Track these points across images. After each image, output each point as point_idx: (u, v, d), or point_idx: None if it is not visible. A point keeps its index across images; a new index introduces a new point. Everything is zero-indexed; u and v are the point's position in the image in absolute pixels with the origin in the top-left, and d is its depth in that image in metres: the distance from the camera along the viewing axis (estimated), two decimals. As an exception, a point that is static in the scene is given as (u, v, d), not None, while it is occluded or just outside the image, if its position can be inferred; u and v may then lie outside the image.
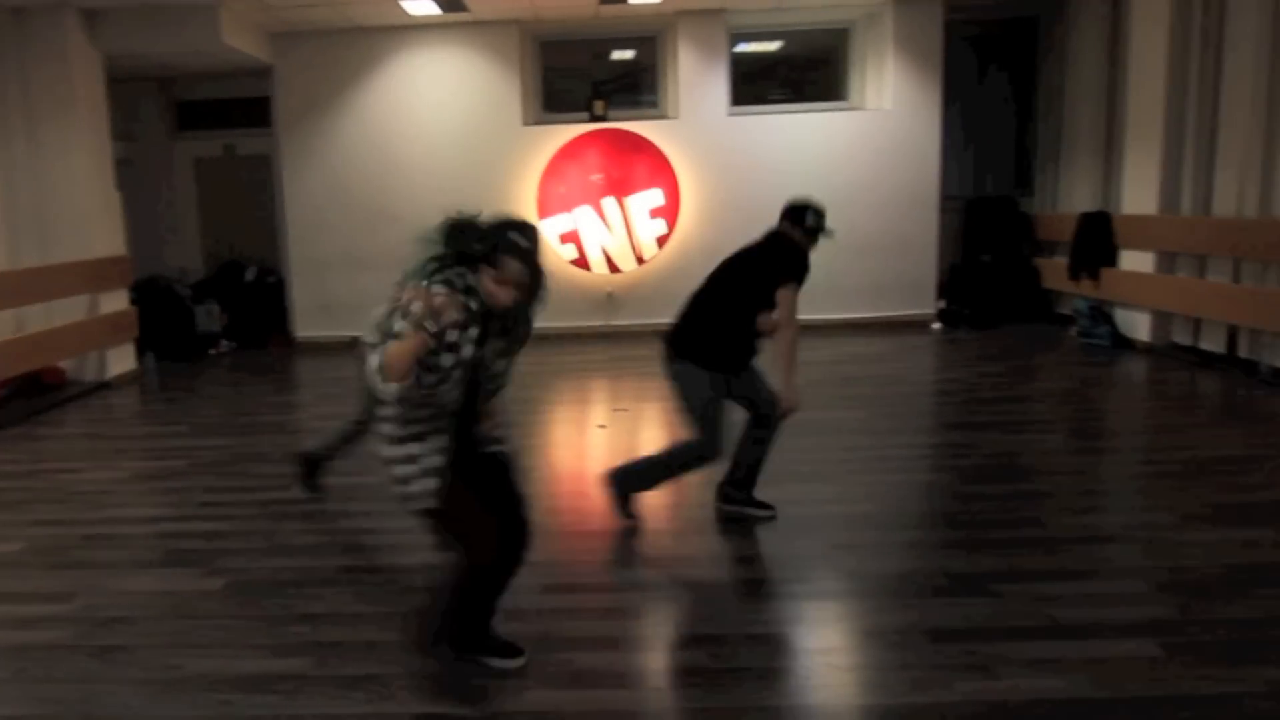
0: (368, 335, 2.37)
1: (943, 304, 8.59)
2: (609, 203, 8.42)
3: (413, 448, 2.41)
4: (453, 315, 2.26)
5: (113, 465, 5.02)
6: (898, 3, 8.19)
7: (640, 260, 8.47)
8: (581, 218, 8.43)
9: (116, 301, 7.34)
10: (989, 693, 2.50)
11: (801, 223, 3.67)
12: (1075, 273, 7.70)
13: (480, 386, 2.51)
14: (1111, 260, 7.39)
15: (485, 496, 2.55)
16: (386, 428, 2.43)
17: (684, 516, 3.98)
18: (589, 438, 5.38)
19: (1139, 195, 7.09)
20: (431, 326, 2.25)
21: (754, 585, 3.28)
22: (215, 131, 9.20)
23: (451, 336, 2.31)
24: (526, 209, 8.49)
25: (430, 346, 2.27)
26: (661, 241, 8.45)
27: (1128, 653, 2.68)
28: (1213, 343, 6.50)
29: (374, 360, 2.29)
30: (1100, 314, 7.43)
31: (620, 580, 3.38)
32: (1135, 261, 7.17)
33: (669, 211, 8.43)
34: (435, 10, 7.76)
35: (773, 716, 2.44)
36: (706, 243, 8.33)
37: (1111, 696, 2.46)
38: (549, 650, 2.81)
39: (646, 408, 5.91)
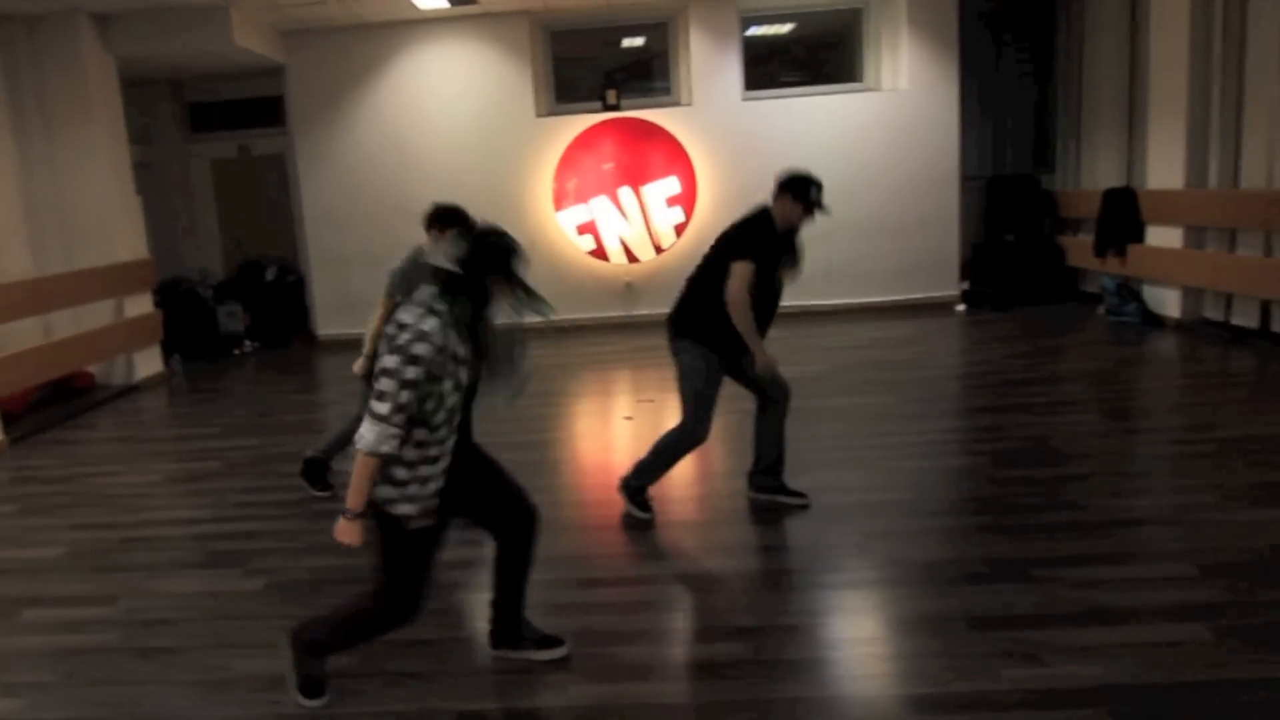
0: (404, 373, 2.19)
1: (966, 285, 8.52)
2: (625, 192, 8.39)
3: (401, 472, 2.31)
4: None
5: (147, 468, 5.07)
6: (912, -19, 8.09)
7: (658, 249, 8.44)
8: (598, 208, 8.41)
9: (141, 305, 7.40)
10: (1037, 680, 2.48)
11: (805, 196, 3.56)
12: (1101, 250, 7.60)
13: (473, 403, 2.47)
14: (1138, 236, 7.29)
15: (485, 490, 2.56)
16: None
17: (715, 507, 3.97)
18: (616, 430, 5.38)
19: (1164, 169, 6.98)
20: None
21: (789, 575, 3.27)
22: (229, 132, 9.24)
23: (450, 368, 2.24)
24: (542, 201, 8.48)
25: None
26: (679, 229, 8.41)
27: (1176, 637, 2.65)
28: (1245, 317, 6.41)
29: (373, 443, 2.23)
30: (1128, 291, 7.33)
31: (656, 573, 3.38)
32: (1162, 237, 7.07)
33: (686, 199, 8.39)
34: (445, 4, 7.74)
35: (818, 708, 2.44)
36: (724, 228, 8.29)
37: (1164, 682, 2.44)
38: (589, 645, 2.82)
39: (671, 398, 5.89)
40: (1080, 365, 6.20)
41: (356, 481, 2.28)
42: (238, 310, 8.80)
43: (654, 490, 4.04)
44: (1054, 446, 4.46)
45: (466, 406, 2.45)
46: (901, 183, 8.37)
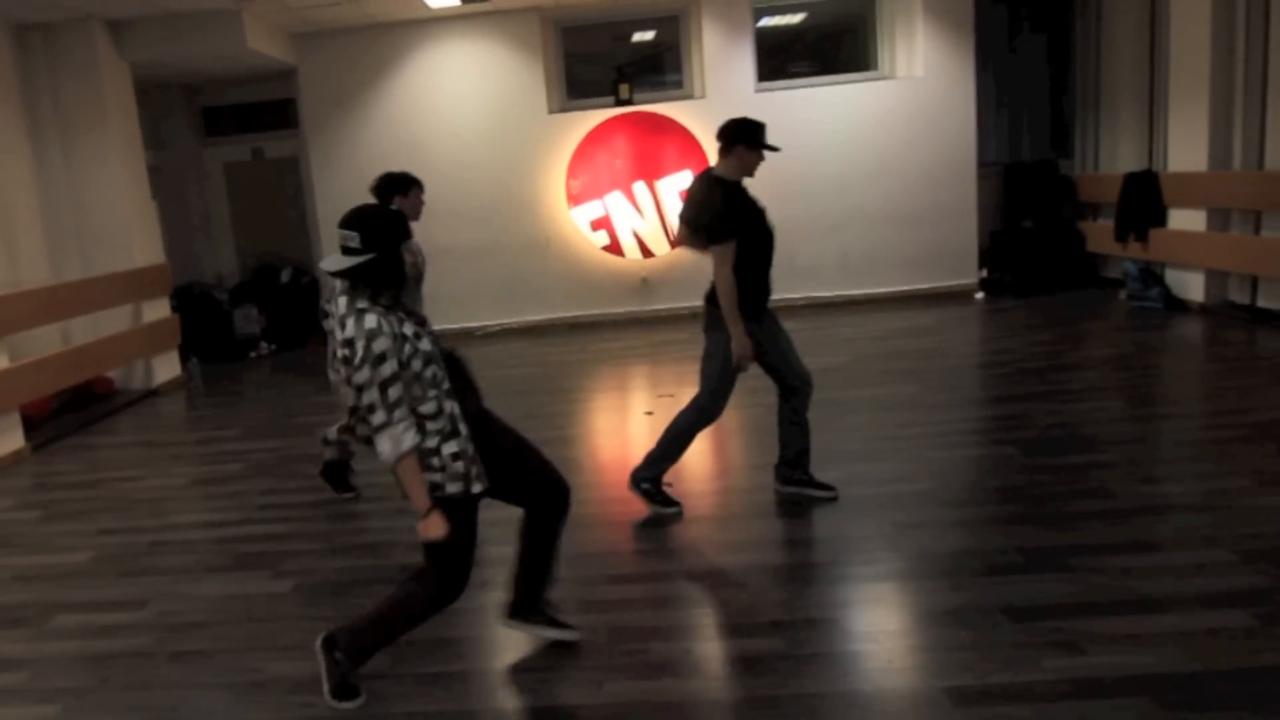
0: (375, 373, 2.23)
1: (985, 273, 8.44)
2: (639, 187, 8.35)
3: (433, 459, 2.36)
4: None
5: (170, 471, 5.08)
6: (926, -33, 8.00)
7: (674, 244, 8.40)
8: (612, 203, 8.37)
9: (159, 309, 7.43)
10: (1080, 670, 2.44)
11: (754, 140, 3.50)
12: (1122, 235, 7.51)
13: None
14: (1160, 220, 7.20)
15: (512, 460, 2.56)
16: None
17: (741, 501, 3.94)
18: (637, 425, 5.35)
19: (1186, 152, 6.89)
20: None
21: (821, 568, 3.24)
22: (243, 136, 9.25)
23: (408, 349, 2.29)
24: (555, 197, 8.45)
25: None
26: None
27: (1219, 624, 2.61)
28: (1272, 300, 6.32)
29: (392, 449, 2.25)
30: (1151, 276, 7.25)
31: (685, 568, 3.35)
32: (1185, 220, 6.98)
33: (700, 193, 8.32)
34: (456, 2, 7.71)
35: (859, 702, 2.40)
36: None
37: (1209, 669, 2.39)
38: (623, 641, 2.79)
39: (689, 392, 5.86)
40: (1104, 351, 6.13)
41: (409, 484, 2.31)
42: (253, 313, 8.82)
43: (681, 486, 4.02)
44: (1082, 434, 4.40)
45: (456, 375, 2.46)
46: (918, 171, 8.29)
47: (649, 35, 8.89)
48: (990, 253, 8.56)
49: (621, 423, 5.57)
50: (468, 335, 8.36)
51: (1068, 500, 3.59)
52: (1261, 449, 3.95)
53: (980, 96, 8.33)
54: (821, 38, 9.25)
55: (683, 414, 3.75)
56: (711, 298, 3.64)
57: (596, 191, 8.37)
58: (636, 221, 8.38)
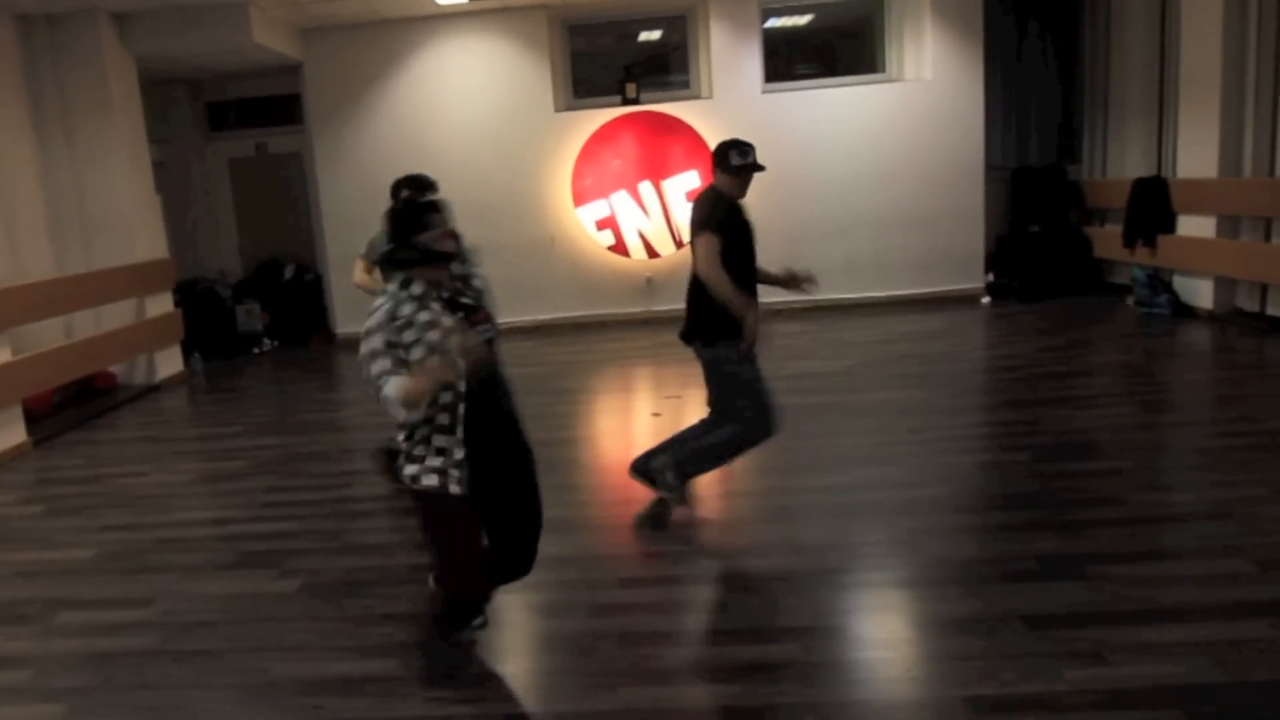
0: (368, 345, 2.37)
1: (991, 277, 8.41)
2: (645, 187, 8.31)
3: (418, 448, 2.46)
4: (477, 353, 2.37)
5: (173, 468, 5.04)
6: (935, -31, 7.97)
7: (679, 244, 8.37)
8: (618, 203, 8.34)
9: (162, 304, 7.38)
10: (1103, 681, 2.40)
11: (725, 164, 3.49)
12: (1130, 240, 7.48)
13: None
14: (1169, 226, 7.17)
15: (496, 482, 2.51)
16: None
17: (752, 505, 3.91)
18: (643, 426, 5.31)
19: (1196, 158, 6.86)
20: (460, 365, 2.31)
21: (833, 574, 3.20)
22: (246, 131, 9.20)
23: (409, 335, 2.37)
24: (561, 196, 8.42)
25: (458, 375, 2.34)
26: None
27: (1241, 635, 2.57)
28: (1281, 308, 6.30)
29: (390, 391, 2.30)
30: (1159, 282, 7.22)
31: (695, 572, 3.31)
32: (1194, 227, 6.95)
33: (707, 193, 8.29)
34: (464, -2, 7.68)
35: (877, 711, 2.37)
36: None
37: (1235, 680, 2.36)
38: (635, 645, 2.76)
39: (696, 393, 5.83)
40: (1114, 357, 6.10)
41: (414, 389, 2.30)
42: (256, 309, 8.77)
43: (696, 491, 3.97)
44: (1094, 440, 4.37)
45: (486, 382, 2.46)
46: (925, 174, 8.26)
47: (655, 35, 8.86)
48: (996, 257, 8.53)
49: (626, 424, 5.53)
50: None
51: (1082, 507, 3.56)
52: (1274, 457, 3.92)
53: (987, 100, 8.30)
54: (829, 39, 9.23)
55: (720, 430, 3.63)
56: (683, 331, 3.64)
57: (602, 191, 8.34)
58: (642, 221, 8.34)
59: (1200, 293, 6.95)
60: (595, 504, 3.97)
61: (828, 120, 8.31)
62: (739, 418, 3.58)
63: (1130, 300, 7.52)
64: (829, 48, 9.27)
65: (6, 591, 3.50)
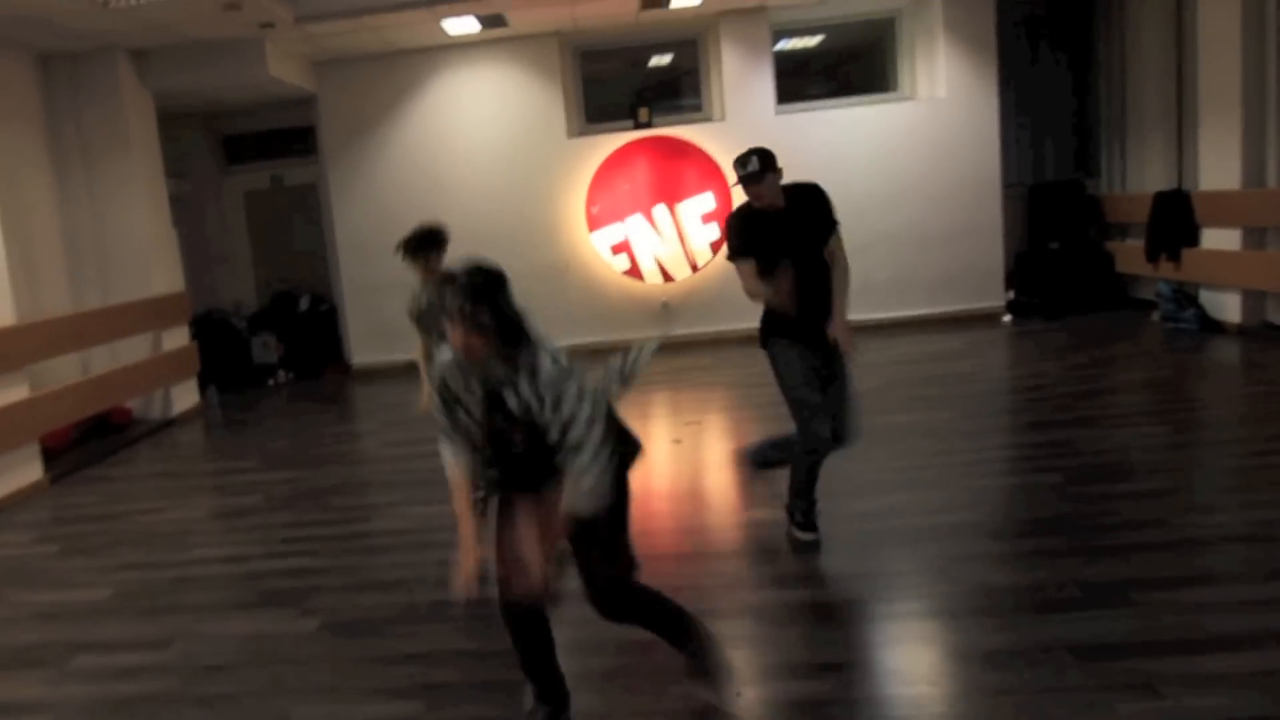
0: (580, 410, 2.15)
1: (1012, 295, 8.31)
2: (660, 210, 8.29)
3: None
4: None
5: (190, 503, 5.00)
6: (946, -12, 7.96)
7: (694, 267, 8.33)
8: (633, 227, 8.32)
9: (178, 338, 7.39)
10: (1157, 714, 2.30)
11: (737, 180, 3.42)
12: (1154, 255, 7.38)
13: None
14: (1193, 240, 7.06)
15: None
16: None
17: (778, 534, 3.80)
18: (663, 453, 5.23)
19: (1219, 170, 6.77)
20: None
21: (867, 605, 3.10)
22: (262, 164, 9.26)
23: (453, 402, 2.29)
24: (575, 222, 8.40)
25: None
26: (715, 247, 8.29)
27: (1302, 665, 2.46)
28: (1311, 320, 6.17)
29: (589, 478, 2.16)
30: (1184, 297, 7.10)
31: (723, 605, 3.21)
32: (1219, 239, 6.85)
33: (722, 216, 8.25)
34: (475, 28, 7.72)
35: (924, 751, 2.27)
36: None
37: (1299, 716, 2.25)
38: (667, 682, 2.66)
39: (715, 419, 5.76)
40: (1143, 375, 5.98)
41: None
42: (271, 341, 8.78)
43: (705, 518, 3.90)
44: (1128, 461, 4.25)
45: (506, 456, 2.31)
46: (942, 192, 8.20)
47: (665, 60, 8.89)
48: (1016, 274, 8.44)
49: (647, 451, 5.44)
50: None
51: (1121, 531, 3.44)
52: (1320, 476, 3.80)
53: (1002, 117, 8.25)
54: (841, 59, 9.23)
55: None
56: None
57: (617, 215, 8.32)
58: (657, 246, 8.31)
59: (1227, 306, 6.83)
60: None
61: (842, 140, 8.27)
62: (795, 422, 3.51)
63: (1155, 315, 7.41)
64: (841, 68, 9.26)
65: (23, 634, 3.44)
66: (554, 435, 2.15)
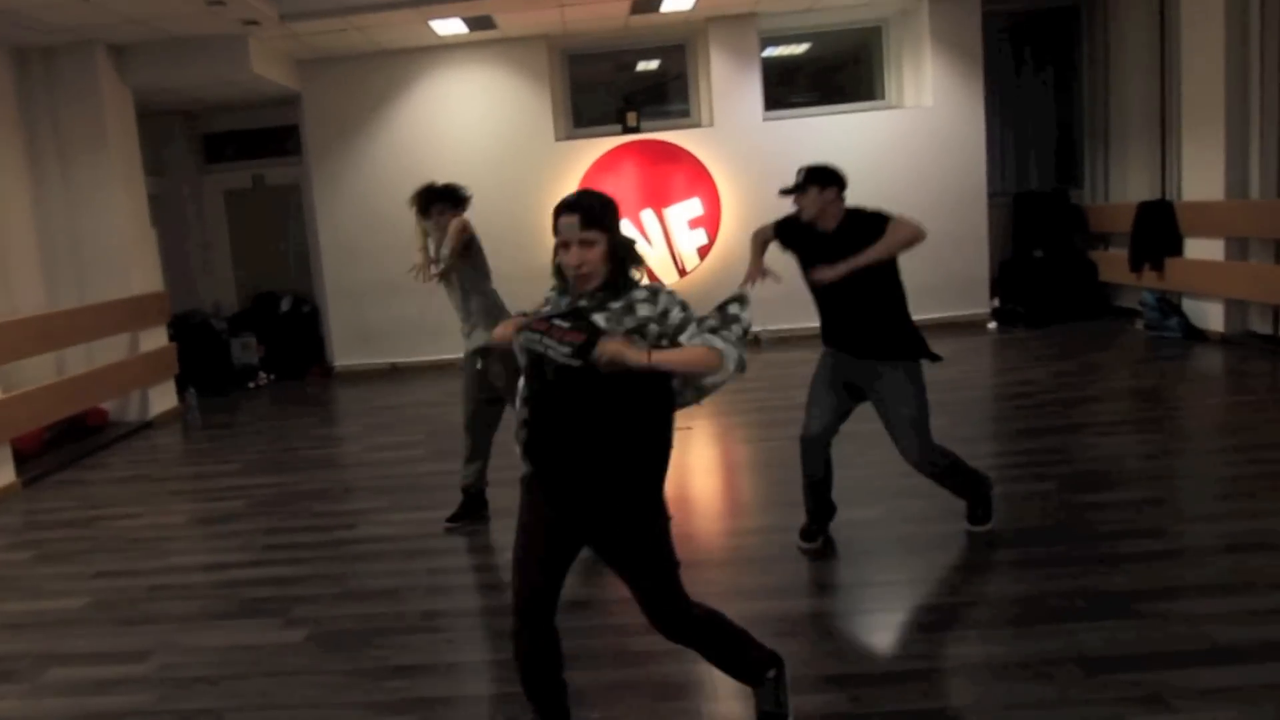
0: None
1: (997, 302, 8.33)
2: (648, 215, 8.24)
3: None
4: None
5: (168, 509, 4.86)
6: (933, -2, 7.99)
7: (682, 272, 8.28)
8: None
9: (156, 339, 7.22)
10: (1172, 730, 2.26)
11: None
12: (1137, 264, 7.43)
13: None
14: (1176, 250, 7.12)
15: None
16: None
17: (780, 542, 3.73)
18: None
19: (1202, 181, 6.83)
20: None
21: (870, 615, 3.05)
22: (243, 163, 9.10)
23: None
24: (563, 225, 8.32)
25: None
26: (703, 252, 8.25)
27: (1312, 677, 2.43)
28: (1294, 330, 6.23)
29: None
30: (1169, 306, 7.15)
31: (739, 615, 3.14)
32: (1202, 249, 6.90)
33: (709, 221, 8.23)
34: (463, 30, 7.64)
35: (935, 767, 2.21)
36: (748, 251, 8.13)
37: (1314, 730, 2.22)
38: (669, 698, 2.59)
39: (705, 424, 5.70)
40: (1130, 383, 6.00)
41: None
42: (252, 342, 8.62)
43: (708, 525, 3.83)
44: (1121, 469, 4.25)
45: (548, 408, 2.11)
46: (928, 200, 8.19)
47: (652, 65, 8.85)
48: (1001, 283, 8.47)
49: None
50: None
51: (1120, 539, 3.42)
52: (1316, 485, 3.81)
53: (987, 126, 8.29)
54: (828, 67, 9.23)
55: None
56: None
57: (604, 220, 8.24)
58: (645, 250, 8.24)
59: (1211, 316, 6.89)
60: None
61: (829, 148, 8.21)
62: None
63: (1139, 324, 7.45)
64: (828, 76, 9.27)
65: (-6, 645, 3.31)
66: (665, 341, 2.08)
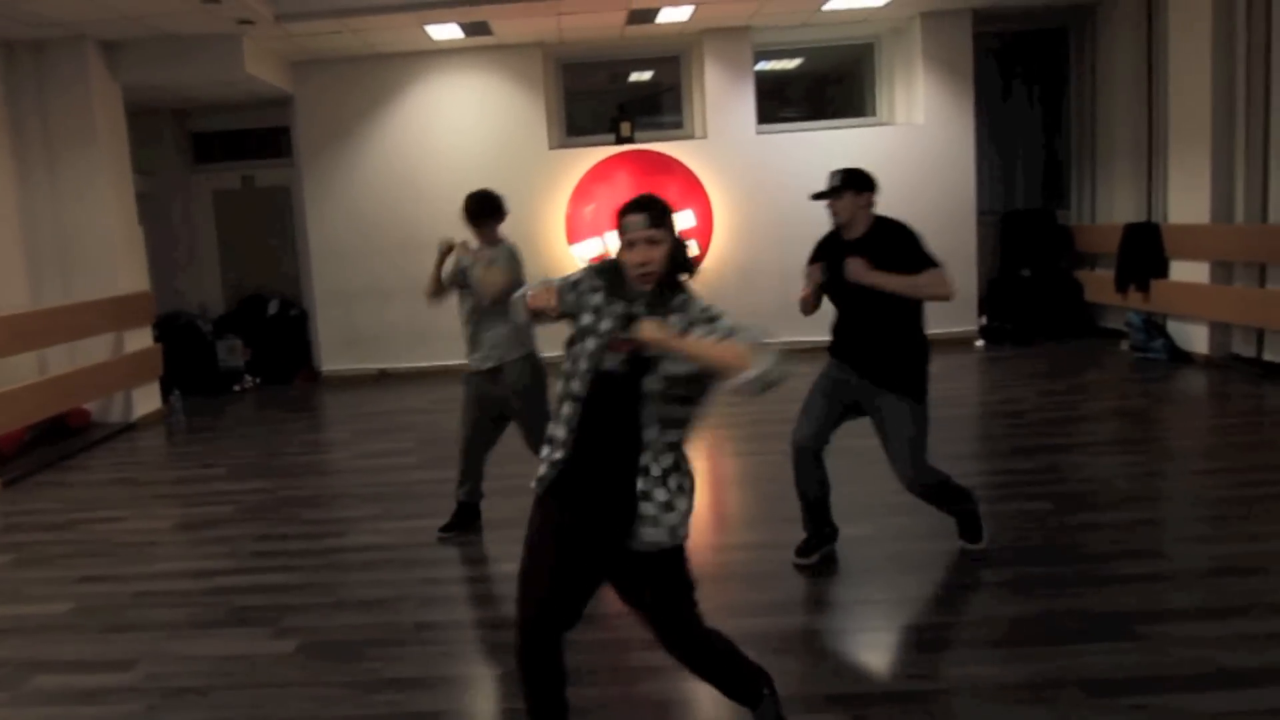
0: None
1: (984, 320, 8.39)
2: (640, 225, 8.22)
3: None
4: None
5: (153, 513, 4.77)
6: (925, 16, 8.06)
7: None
8: (612, 241, 8.23)
9: (141, 339, 7.11)
10: (1176, 754, 2.26)
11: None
12: (1123, 285, 7.51)
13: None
14: (1161, 271, 7.20)
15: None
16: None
17: (776, 558, 3.71)
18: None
19: (1188, 204, 6.92)
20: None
21: (868, 634, 3.04)
22: (233, 163, 9.01)
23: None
24: (555, 234, 8.30)
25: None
26: (695, 262, 8.23)
27: (1311, 702, 2.44)
28: (1278, 353, 6.30)
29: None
30: (1154, 327, 7.23)
31: (732, 633, 3.12)
32: (1188, 272, 6.99)
33: (701, 232, 8.24)
34: (459, 35, 7.62)
35: (942, 789, 2.20)
36: (740, 262, 8.16)
37: (1317, 756, 2.22)
38: (670, 716, 2.56)
39: (697, 436, 5.68)
40: (1117, 403, 6.05)
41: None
42: (238, 345, 8.51)
43: (701, 539, 3.81)
44: (1119, 488, 4.27)
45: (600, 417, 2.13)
46: (918, 217, 7.99)
47: (646, 75, 8.87)
48: (987, 301, 8.53)
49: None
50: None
51: (1117, 560, 3.43)
52: (1303, 508, 3.84)
53: (976, 145, 8.36)
54: (821, 83, 9.29)
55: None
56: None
57: (597, 229, 8.24)
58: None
59: (1195, 338, 6.97)
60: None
61: (821, 161, 8.19)
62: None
63: (1124, 345, 7.53)
64: (820, 91, 9.34)
65: (-26, 652, 3.22)
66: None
